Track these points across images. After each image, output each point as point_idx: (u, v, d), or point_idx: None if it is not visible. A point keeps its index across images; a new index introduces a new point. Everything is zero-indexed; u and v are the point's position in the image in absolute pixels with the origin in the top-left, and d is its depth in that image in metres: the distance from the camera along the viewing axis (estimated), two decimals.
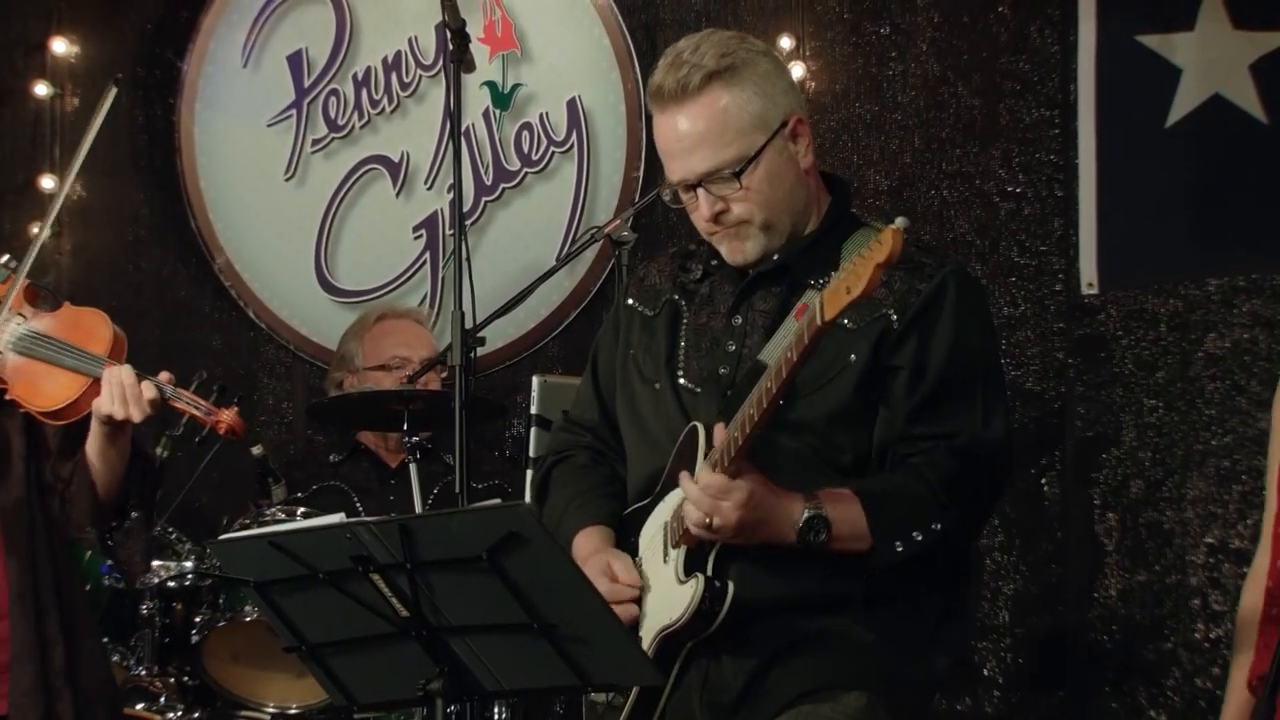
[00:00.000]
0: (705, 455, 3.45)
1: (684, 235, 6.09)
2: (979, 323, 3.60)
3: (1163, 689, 5.67)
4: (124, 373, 4.07)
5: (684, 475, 3.42)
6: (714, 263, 3.70)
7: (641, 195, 6.29)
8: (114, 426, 4.09)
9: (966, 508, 3.49)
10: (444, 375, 5.68)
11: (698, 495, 3.36)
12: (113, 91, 4.25)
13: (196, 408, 3.98)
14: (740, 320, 3.62)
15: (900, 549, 3.41)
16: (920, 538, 3.42)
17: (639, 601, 3.56)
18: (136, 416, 4.04)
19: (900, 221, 3.12)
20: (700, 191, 3.58)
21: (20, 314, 4.16)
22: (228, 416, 3.96)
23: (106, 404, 4.07)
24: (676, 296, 3.74)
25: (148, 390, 4.04)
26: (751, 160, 3.53)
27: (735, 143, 3.53)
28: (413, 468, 5.45)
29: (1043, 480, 5.83)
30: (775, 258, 3.61)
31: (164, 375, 4.08)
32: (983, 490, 3.55)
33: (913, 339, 3.48)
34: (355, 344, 6.12)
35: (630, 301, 3.82)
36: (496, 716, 5.21)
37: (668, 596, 3.48)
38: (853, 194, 3.80)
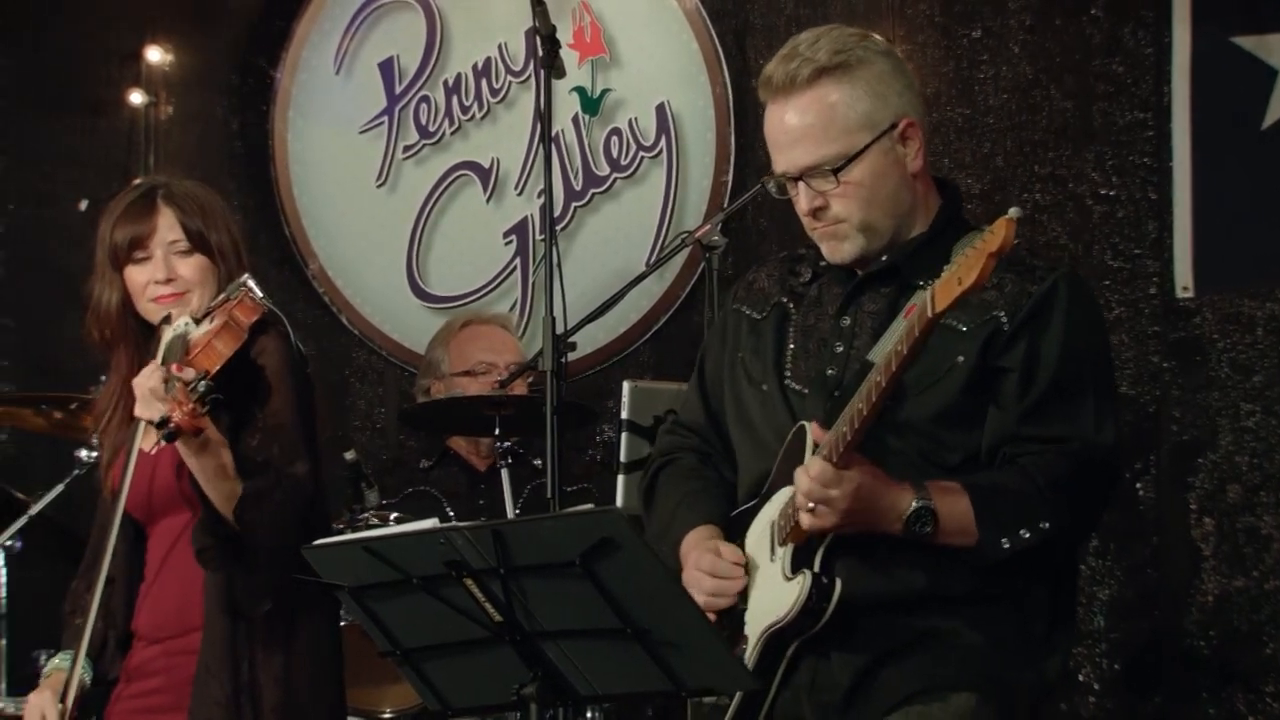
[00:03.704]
0: (813, 452, 3.43)
1: (774, 240, 6.12)
2: (1090, 326, 3.56)
3: (1261, 695, 5.61)
4: (143, 370, 4.06)
5: (798, 469, 3.40)
6: (822, 264, 3.69)
7: (731, 200, 6.29)
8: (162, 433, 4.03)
9: (1075, 510, 3.45)
10: (530, 380, 5.71)
11: (808, 485, 3.35)
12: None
13: (180, 401, 3.94)
14: (848, 321, 3.60)
15: (1007, 546, 3.39)
16: (1028, 536, 3.39)
17: (744, 598, 3.55)
18: (141, 412, 3.99)
19: (1014, 211, 3.14)
20: (801, 185, 3.58)
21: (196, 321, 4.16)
22: (178, 413, 3.90)
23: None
24: (784, 299, 3.73)
25: (150, 379, 3.99)
26: (853, 159, 3.53)
27: (839, 140, 3.53)
28: (504, 473, 5.47)
29: (1137, 485, 5.78)
30: (884, 259, 3.60)
31: (184, 369, 3.99)
32: (1092, 494, 3.51)
33: (1023, 341, 3.44)
34: (441, 350, 6.15)
35: (738, 305, 3.81)
36: None
37: (774, 594, 3.47)
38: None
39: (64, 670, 4.17)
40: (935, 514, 3.36)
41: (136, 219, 4.27)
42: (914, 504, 3.36)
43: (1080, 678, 5.81)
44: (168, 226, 4.26)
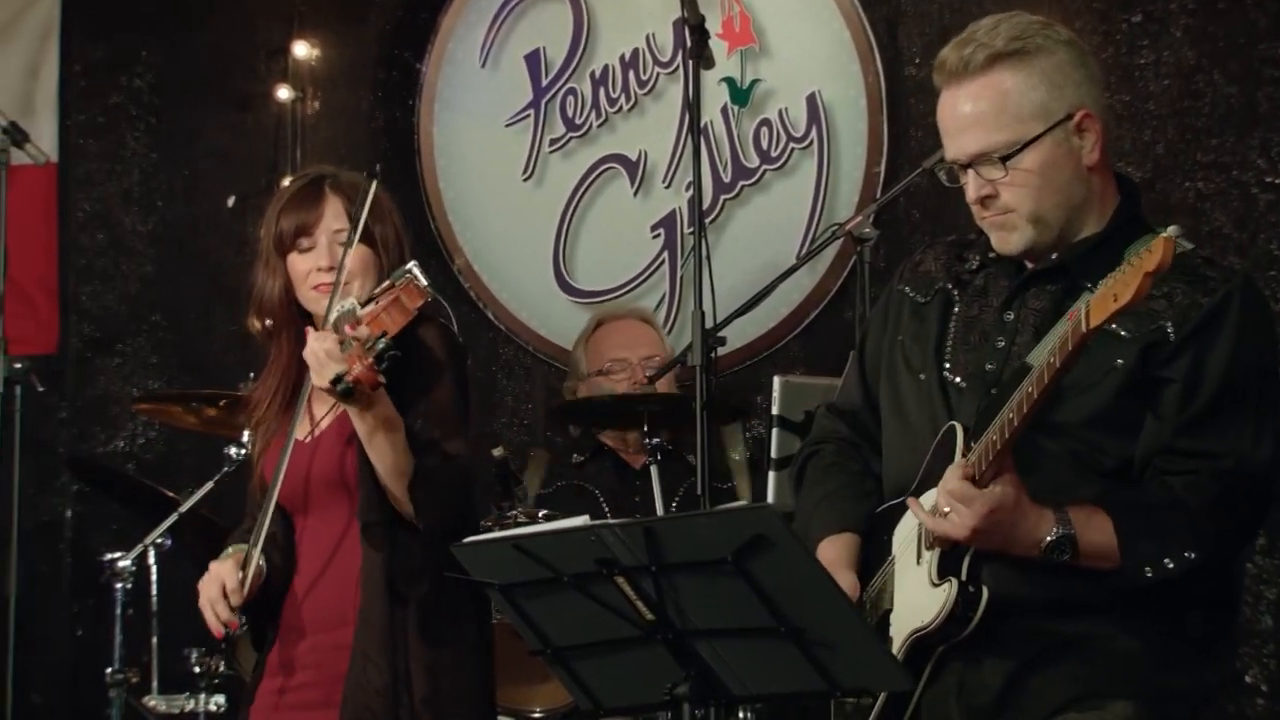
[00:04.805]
0: (963, 455, 3.40)
1: (927, 232, 6.07)
2: (1260, 340, 3.45)
3: None
4: (312, 335, 4.05)
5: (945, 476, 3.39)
6: (991, 254, 3.63)
7: (883, 191, 6.23)
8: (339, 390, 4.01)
9: (1225, 536, 3.39)
10: (679, 375, 5.69)
11: (942, 498, 3.35)
12: (373, 184, 4.26)
13: (357, 357, 3.91)
14: (1012, 316, 3.55)
15: (1150, 574, 3.33)
16: (1171, 565, 3.33)
17: (890, 599, 3.54)
18: (317, 376, 3.97)
19: (1172, 230, 3.09)
20: (970, 173, 3.53)
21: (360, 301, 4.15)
22: (357, 366, 3.88)
23: None
24: (950, 285, 3.68)
25: (324, 340, 3.97)
26: (1023, 147, 3.46)
27: (1009, 128, 3.47)
28: (654, 469, 5.44)
29: None
30: (1054, 256, 3.54)
31: (358, 328, 3.97)
32: (1244, 517, 3.44)
33: (1189, 353, 3.37)
34: (580, 351, 6.18)
35: (902, 287, 3.77)
36: None
37: (920, 599, 3.45)
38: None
39: (243, 550, 4.16)
40: (1075, 543, 3.33)
41: (303, 207, 4.28)
42: (1054, 533, 3.33)
43: (1248, 679, 5.72)
44: (333, 215, 4.26)
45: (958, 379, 3.57)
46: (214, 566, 4.15)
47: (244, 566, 4.10)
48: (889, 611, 3.53)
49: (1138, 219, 3.58)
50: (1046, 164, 3.47)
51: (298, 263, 4.27)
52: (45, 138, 7.13)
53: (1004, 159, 3.46)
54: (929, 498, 3.45)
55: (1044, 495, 3.35)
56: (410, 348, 4.11)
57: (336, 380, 3.88)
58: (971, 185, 3.52)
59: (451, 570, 3.50)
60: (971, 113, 3.49)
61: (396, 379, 4.04)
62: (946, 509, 3.33)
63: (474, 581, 3.43)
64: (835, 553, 3.64)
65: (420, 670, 4.09)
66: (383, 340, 3.89)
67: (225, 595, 4.07)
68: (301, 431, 4.26)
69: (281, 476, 4.15)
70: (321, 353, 3.94)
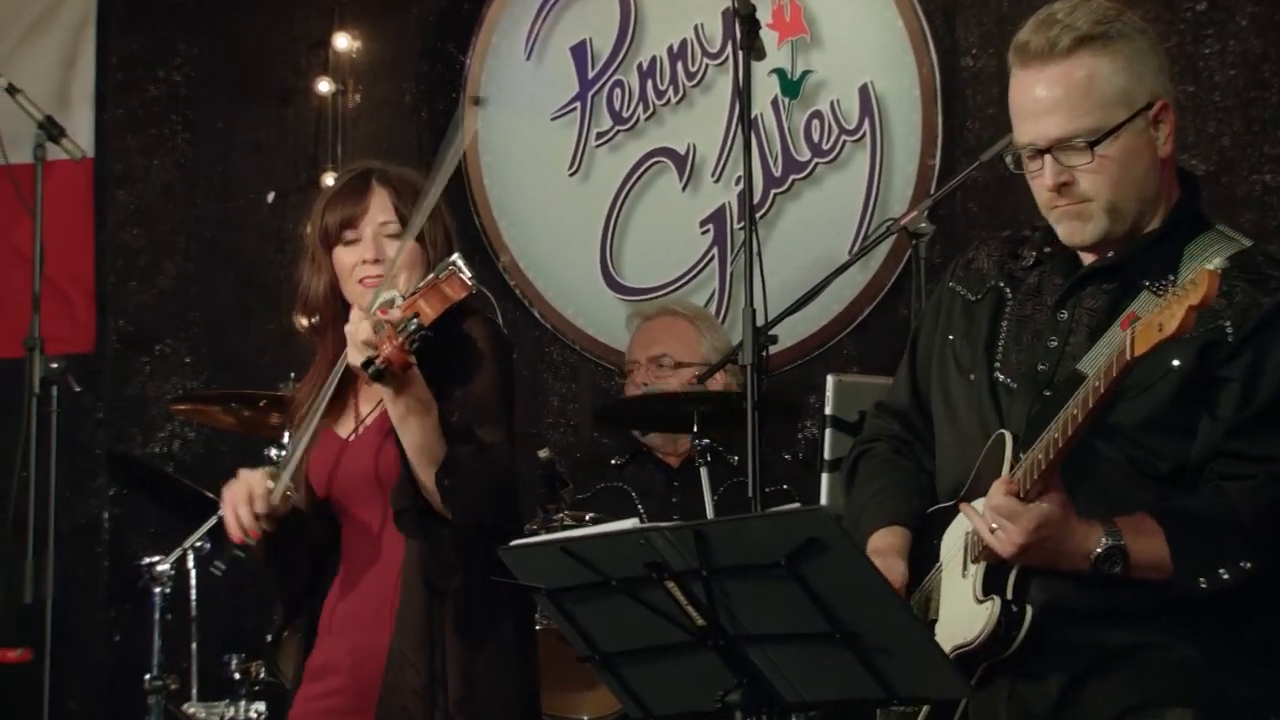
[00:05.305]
0: (1010, 466, 3.36)
1: (984, 226, 6.03)
2: None
3: None
4: (354, 315, 4.06)
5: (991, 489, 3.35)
6: (1047, 250, 3.58)
7: (938, 185, 6.18)
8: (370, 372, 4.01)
9: None
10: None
11: (987, 514, 3.30)
12: (475, 112, 4.20)
13: (388, 338, 3.92)
14: (1066, 315, 3.49)
15: (1204, 585, 3.27)
16: (1226, 576, 3.27)
17: (934, 608, 3.50)
18: (352, 355, 3.98)
19: (1218, 262, 3.10)
20: (1047, 159, 3.45)
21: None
22: (387, 346, 3.89)
23: None
24: (1002, 284, 3.62)
25: (359, 322, 3.98)
26: (1109, 134, 3.39)
27: (1093, 113, 3.39)
28: (703, 471, 5.40)
29: None
30: (1110, 255, 3.47)
31: (392, 311, 3.96)
32: None
33: (1248, 353, 3.31)
34: (627, 351, 6.23)
35: (953, 284, 3.71)
36: None
37: (964, 613, 3.40)
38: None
39: (275, 471, 4.14)
40: (1126, 555, 3.28)
41: (349, 200, 4.27)
42: (1105, 541, 3.28)
43: None
44: (380, 208, 4.24)
45: (1008, 380, 3.52)
46: (243, 473, 4.15)
47: (274, 479, 4.10)
48: (934, 622, 3.49)
49: (1196, 215, 3.53)
50: (1128, 153, 3.41)
51: (343, 256, 4.25)
52: (82, 132, 7.11)
53: (1091, 144, 3.39)
54: (977, 507, 3.40)
55: (1099, 501, 3.32)
56: (455, 341, 4.11)
57: (368, 362, 3.89)
58: (1049, 172, 3.45)
59: (496, 574, 3.47)
60: (1054, 96, 3.42)
61: (439, 371, 4.05)
62: (993, 525, 3.29)
63: (520, 585, 3.39)
64: (888, 541, 3.60)
65: (456, 671, 4.07)
66: (414, 321, 3.90)
67: (251, 502, 4.07)
68: (345, 430, 4.26)
69: (315, 427, 4.15)
70: (357, 334, 3.96)
